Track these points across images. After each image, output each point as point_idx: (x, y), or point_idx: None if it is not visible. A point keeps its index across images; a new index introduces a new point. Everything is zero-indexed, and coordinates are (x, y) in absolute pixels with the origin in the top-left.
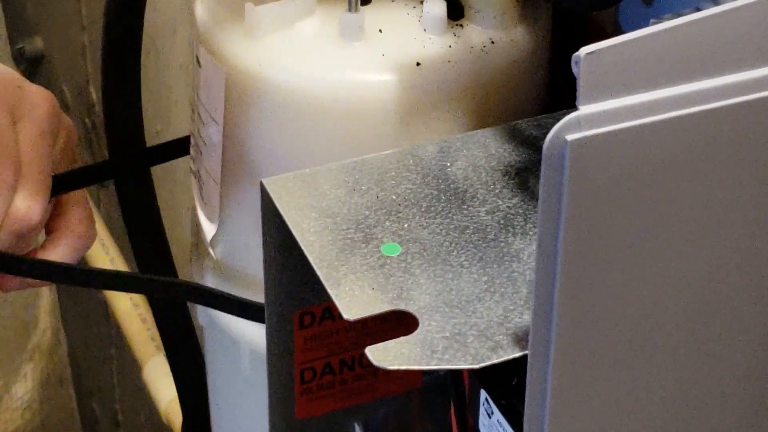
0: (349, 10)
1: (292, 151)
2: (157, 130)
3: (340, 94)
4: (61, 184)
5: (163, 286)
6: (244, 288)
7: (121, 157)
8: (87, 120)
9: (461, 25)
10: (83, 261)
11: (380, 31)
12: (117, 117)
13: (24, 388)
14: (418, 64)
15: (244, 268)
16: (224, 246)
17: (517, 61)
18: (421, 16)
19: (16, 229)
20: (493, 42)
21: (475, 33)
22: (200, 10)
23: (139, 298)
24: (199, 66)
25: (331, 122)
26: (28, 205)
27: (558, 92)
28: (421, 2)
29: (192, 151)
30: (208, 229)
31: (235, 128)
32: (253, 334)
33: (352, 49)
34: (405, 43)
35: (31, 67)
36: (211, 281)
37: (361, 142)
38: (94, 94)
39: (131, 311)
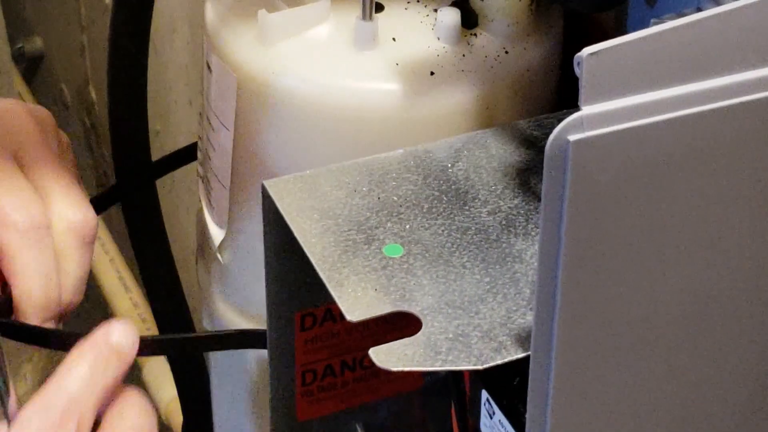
0: (363, 18)
1: (304, 158)
2: (156, 130)
3: (352, 102)
4: None
5: (180, 343)
6: (251, 292)
7: (128, 178)
8: (87, 120)
9: (475, 34)
10: None
11: (394, 39)
12: (122, 123)
13: (24, 388)
14: (432, 73)
15: (252, 272)
16: (232, 251)
17: (530, 69)
18: (434, 24)
19: (86, 239)
20: (506, 51)
21: (489, 42)
22: (211, 16)
23: (139, 298)
24: (210, 72)
25: (343, 130)
26: (82, 214)
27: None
28: (435, 10)
29: (199, 155)
30: (216, 233)
31: (245, 134)
32: None
33: (365, 57)
34: (419, 51)
35: (31, 66)
36: (217, 286)
37: (373, 150)
38: (94, 94)
39: (131, 311)
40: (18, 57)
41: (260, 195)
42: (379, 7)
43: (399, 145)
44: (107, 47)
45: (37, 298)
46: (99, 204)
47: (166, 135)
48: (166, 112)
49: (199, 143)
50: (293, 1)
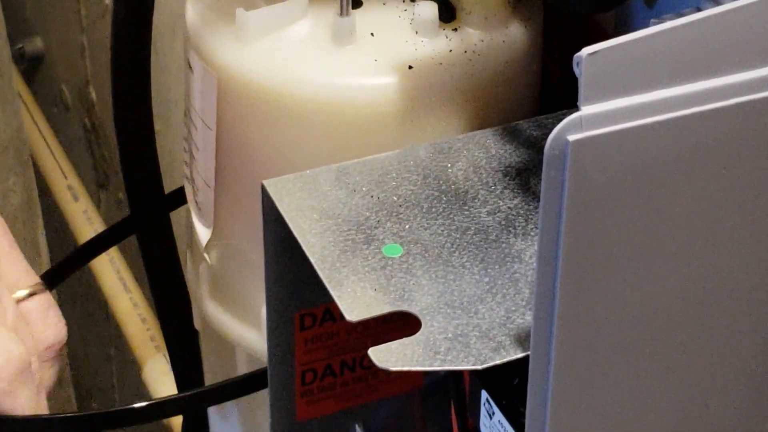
0: (341, 13)
1: (286, 156)
2: (156, 130)
3: (332, 98)
4: (90, 253)
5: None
6: (239, 292)
7: (142, 210)
8: (86, 120)
9: (454, 28)
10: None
11: (372, 34)
12: (129, 128)
13: None
14: (410, 67)
15: (239, 272)
16: (219, 251)
17: (509, 62)
18: (412, 19)
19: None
20: (485, 43)
21: (467, 35)
22: (191, 15)
23: (139, 298)
24: (191, 71)
25: (324, 127)
26: (49, 329)
27: (552, 92)
28: (413, 0)
29: (185, 155)
30: (203, 234)
31: (228, 133)
32: (249, 338)
33: (344, 53)
34: (397, 46)
35: (31, 67)
36: (205, 286)
37: (354, 146)
38: (94, 94)
39: (131, 311)
40: (18, 57)
41: (247, 195)
42: (357, 3)
43: (379, 139)
44: (110, 38)
45: None
46: (115, 234)
47: (165, 135)
48: (166, 112)
49: (183, 143)
50: None
